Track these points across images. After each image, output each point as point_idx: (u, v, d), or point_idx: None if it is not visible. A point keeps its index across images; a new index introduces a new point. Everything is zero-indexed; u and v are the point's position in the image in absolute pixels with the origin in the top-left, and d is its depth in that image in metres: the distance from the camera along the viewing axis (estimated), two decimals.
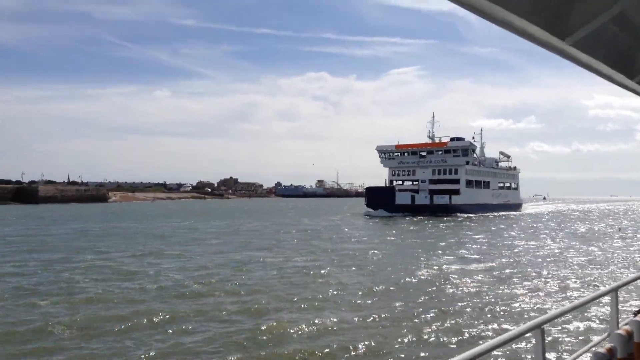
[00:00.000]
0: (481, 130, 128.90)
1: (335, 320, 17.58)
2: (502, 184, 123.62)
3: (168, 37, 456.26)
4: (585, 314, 17.68)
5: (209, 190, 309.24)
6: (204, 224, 69.20)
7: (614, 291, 5.54)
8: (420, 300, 20.98)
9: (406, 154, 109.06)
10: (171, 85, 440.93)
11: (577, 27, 3.62)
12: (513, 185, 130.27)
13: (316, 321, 17.35)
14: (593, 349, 4.91)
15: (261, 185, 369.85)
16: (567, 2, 3.54)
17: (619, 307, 5.67)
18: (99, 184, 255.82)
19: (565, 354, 13.65)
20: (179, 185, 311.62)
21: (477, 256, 35.43)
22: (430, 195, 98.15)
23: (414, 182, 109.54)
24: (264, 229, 61.02)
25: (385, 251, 38.71)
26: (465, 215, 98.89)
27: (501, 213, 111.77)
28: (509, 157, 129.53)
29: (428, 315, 18.47)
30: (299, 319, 17.77)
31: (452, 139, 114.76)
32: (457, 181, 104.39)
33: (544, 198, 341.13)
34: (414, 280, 25.71)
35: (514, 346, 13.79)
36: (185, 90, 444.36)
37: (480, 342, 10.11)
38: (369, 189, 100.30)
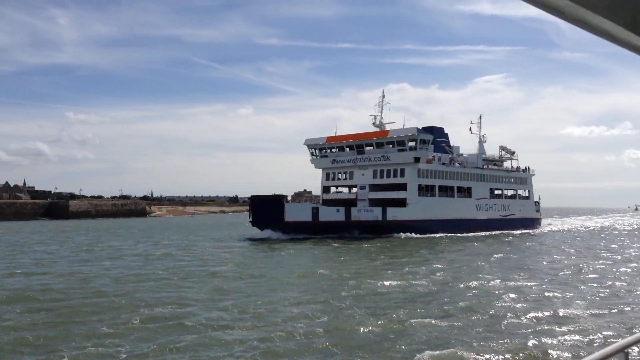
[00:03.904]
0: (480, 117, 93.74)
1: None
2: (499, 191, 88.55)
3: (253, 56, 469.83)
4: None
5: None
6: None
7: None
8: None
9: (341, 148, 78.31)
10: (255, 102, 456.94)
11: None
12: (523, 193, 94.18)
13: None
14: None
15: None
16: None
17: None
18: (169, 198, 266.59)
19: None
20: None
21: None
22: (347, 209, 66.86)
23: (353, 189, 78.80)
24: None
25: None
26: (416, 235, 67.27)
27: (494, 232, 77.98)
28: (512, 153, 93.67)
29: None
30: None
31: (423, 129, 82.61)
32: (403, 186, 72.23)
33: (637, 209, 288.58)
34: None
35: None
36: (268, 107, 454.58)
37: None
38: (253, 199, 69.28)
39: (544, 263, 40.94)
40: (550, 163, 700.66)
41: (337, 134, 79.73)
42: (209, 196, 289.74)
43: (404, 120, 77.53)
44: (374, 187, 75.07)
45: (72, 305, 24.11)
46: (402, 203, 71.33)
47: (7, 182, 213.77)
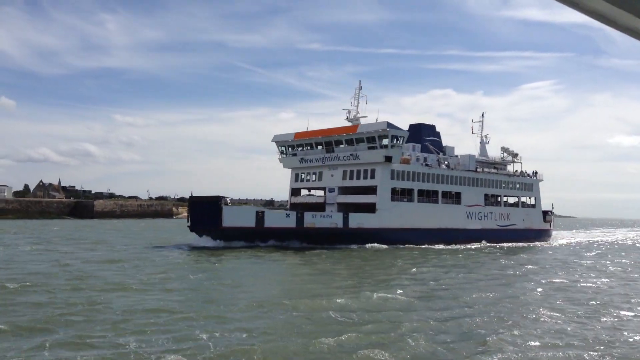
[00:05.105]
0: (482, 115, 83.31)
1: None
2: (496, 197, 77.83)
3: (295, 61, 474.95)
4: None
5: None
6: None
7: None
8: None
9: (311, 145, 69.57)
10: (296, 106, 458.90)
11: None
12: (528, 201, 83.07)
13: None
14: None
15: None
16: None
17: None
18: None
19: None
20: (287, 202, 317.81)
21: None
22: (299, 214, 57.94)
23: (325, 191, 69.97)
24: None
25: None
26: (384, 246, 58.29)
27: (487, 245, 68.14)
28: (515, 155, 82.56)
29: None
30: None
31: (411, 126, 73.80)
32: (373, 189, 63.03)
33: None
34: None
35: None
36: (309, 111, 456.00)
37: None
38: (192, 201, 59.88)
39: (500, 288, 31.23)
40: (596, 173, 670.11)
41: (308, 130, 71.03)
42: (246, 199, 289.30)
43: (377, 114, 67.55)
44: (344, 190, 66.09)
45: None
46: (372, 208, 62.13)
47: (41, 181, 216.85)
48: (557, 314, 24.35)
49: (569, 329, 21.61)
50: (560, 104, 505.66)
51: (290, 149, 71.55)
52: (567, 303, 27.51)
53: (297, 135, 70.08)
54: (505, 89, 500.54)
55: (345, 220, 58.86)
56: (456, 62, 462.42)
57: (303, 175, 71.48)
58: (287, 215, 57.18)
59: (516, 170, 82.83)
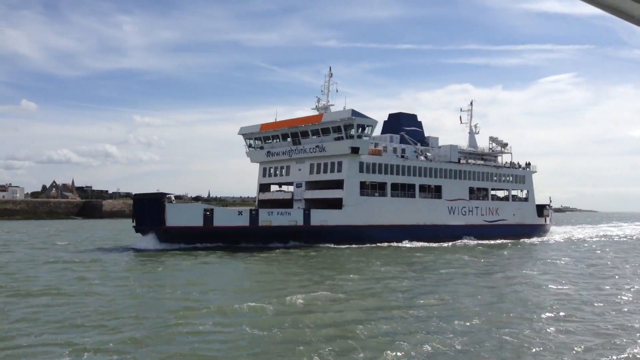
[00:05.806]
0: (471, 103, 77.86)
1: None
2: (483, 191, 72.17)
3: (311, 59, 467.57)
4: None
5: None
6: None
7: None
8: None
9: (278, 137, 64.85)
10: (313, 104, 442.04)
11: None
12: (520, 194, 77.19)
13: None
14: None
15: None
16: None
17: None
18: (221, 198, 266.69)
19: None
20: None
21: None
22: (253, 211, 53.22)
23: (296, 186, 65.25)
24: None
25: None
26: (346, 246, 53.58)
27: (472, 242, 63.15)
28: (505, 145, 76.63)
29: None
30: None
31: (390, 116, 69.04)
32: (340, 184, 58.14)
33: None
34: None
35: None
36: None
37: None
38: (136, 199, 55.54)
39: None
40: (619, 166, 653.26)
41: (276, 120, 66.29)
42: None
43: (345, 101, 62.43)
44: (311, 185, 61.30)
45: None
46: (339, 204, 57.25)
47: (54, 181, 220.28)
48: (496, 320, 21.06)
49: (507, 338, 18.45)
50: (580, 96, 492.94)
51: (257, 141, 66.94)
52: (517, 308, 23.82)
53: (263, 126, 65.44)
54: (525, 83, 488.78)
55: (307, 217, 54.07)
56: (474, 57, 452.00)
57: (271, 170, 66.83)
58: (240, 213, 52.50)
59: (506, 162, 77.06)
